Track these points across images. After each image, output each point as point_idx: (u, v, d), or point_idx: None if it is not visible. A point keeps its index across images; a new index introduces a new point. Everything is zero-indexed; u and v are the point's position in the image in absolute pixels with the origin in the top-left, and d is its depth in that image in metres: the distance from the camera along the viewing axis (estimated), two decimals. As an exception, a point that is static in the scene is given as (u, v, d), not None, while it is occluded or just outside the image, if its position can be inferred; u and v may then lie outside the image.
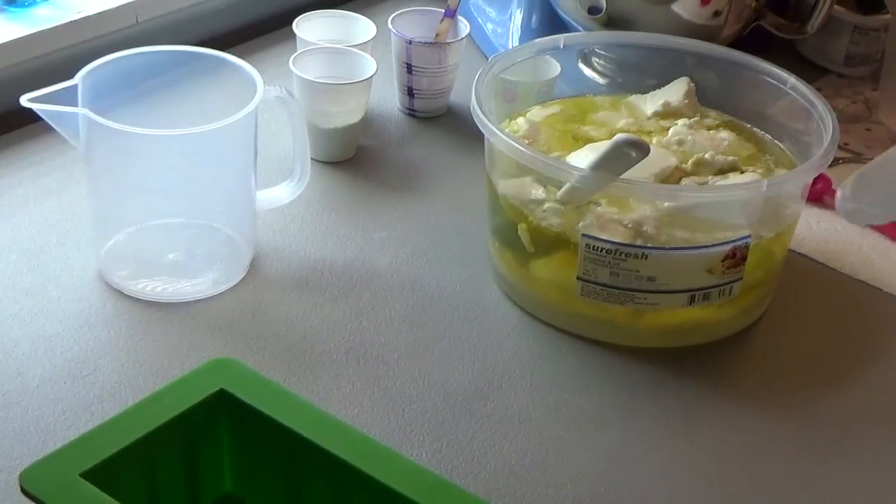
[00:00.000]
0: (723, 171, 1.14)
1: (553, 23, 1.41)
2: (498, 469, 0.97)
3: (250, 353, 1.05)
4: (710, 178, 1.13)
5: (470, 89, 1.12)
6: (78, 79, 1.06)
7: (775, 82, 1.20)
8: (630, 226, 1.05)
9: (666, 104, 1.22)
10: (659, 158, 1.12)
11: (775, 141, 1.21)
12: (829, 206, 1.28)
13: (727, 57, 1.23)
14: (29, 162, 1.27)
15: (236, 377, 0.85)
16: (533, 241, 1.09)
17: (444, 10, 1.38)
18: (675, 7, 1.34)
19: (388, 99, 1.40)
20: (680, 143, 1.17)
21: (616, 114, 1.23)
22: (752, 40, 1.39)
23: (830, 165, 1.14)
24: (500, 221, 1.13)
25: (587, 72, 1.33)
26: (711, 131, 1.19)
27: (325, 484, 0.82)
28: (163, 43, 1.17)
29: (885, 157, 1.12)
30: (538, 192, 1.08)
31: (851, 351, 1.13)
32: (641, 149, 1.04)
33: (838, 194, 1.11)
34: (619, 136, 1.05)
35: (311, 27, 1.36)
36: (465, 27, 1.38)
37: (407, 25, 1.36)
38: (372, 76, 1.28)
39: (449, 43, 1.35)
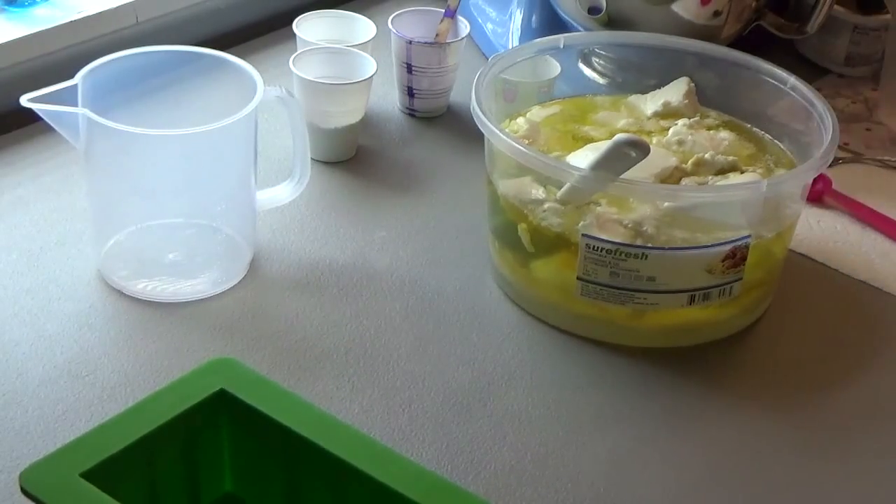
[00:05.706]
0: (723, 171, 1.14)
1: (553, 23, 1.41)
2: (498, 469, 0.97)
3: (250, 353, 1.05)
4: (710, 178, 1.13)
5: (470, 89, 1.12)
6: (78, 79, 1.06)
7: (775, 82, 1.20)
8: (630, 226, 1.05)
9: (666, 104, 1.22)
10: (659, 158, 1.12)
11: (775, 141, 1.20)
12: (829, 206, 1.29)
13: (727, 57, 1.23)
14: (29, 162, 1.27)
15: (236, 377, 0.85)
16: (533, 241, 1.09)
17: (444, 10, 1.38)
18: (675, 7, 1.34)
19: (388, 99, 1.40)
20: (680, 143, 1.17)
21: (616, 114, 1.23)
22: (752, 40, 1.39)
23: (830, 165, 1.14)
24: (500, 221, 1.13)
25: (587, 72, 1.33)
26: (711, 131, 1.19)
27: (325, 484, 0.82)
28: (163, 43, 1.17)
29: None
30: (538, 192, 1.08)
31: (851, 351, 1.13)
32: (641, 149, 1.04)
33: None
34: (619, 136, 1.05)
35: (311, 27, 1.36)
36: (465, 27, 1.38)
37: (407, 25, 1.36)
38: (372, 76, 1.28)
39: (449, 43, 1.35)
